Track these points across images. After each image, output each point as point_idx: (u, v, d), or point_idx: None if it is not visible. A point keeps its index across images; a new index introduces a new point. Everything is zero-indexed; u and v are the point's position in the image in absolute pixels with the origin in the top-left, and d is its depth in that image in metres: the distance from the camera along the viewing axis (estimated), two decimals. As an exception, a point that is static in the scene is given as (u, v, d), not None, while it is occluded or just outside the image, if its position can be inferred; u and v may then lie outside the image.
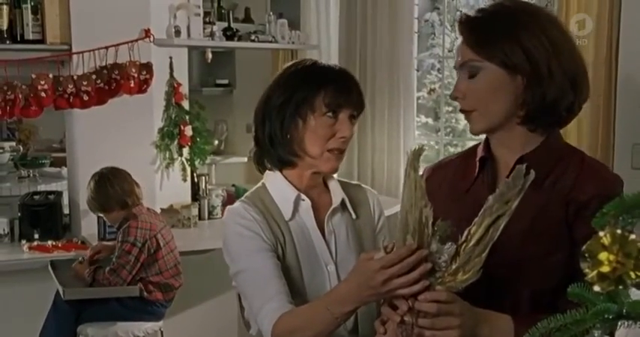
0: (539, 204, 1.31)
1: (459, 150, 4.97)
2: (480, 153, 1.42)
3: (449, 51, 4.73)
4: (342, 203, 1.59)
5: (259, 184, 1.61)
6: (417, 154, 1.20)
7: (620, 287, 0.71)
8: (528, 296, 1.32)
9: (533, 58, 1.27)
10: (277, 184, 1.56)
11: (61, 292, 2.97)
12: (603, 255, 0.71)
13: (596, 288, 0.73)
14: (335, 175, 1.64)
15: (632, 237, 0.70)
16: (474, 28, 1.33)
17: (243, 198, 1.59)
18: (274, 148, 1.53)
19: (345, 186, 1.64)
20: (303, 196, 1.55)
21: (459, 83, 1.34)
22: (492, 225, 1.15)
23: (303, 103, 1.49)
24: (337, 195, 1.59)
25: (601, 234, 0.72)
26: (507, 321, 1.26)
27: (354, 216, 1.60)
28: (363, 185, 1.72)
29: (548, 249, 1.30)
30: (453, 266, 1.17)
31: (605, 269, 0.71)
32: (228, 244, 1.53)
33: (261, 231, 1.50)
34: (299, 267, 1.51)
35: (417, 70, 4.68)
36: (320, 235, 1.55)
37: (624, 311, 0.81)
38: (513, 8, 1.34)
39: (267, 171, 1.59)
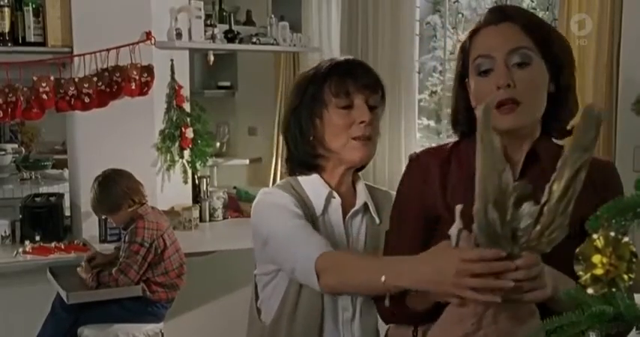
0: None
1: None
2: None
3: (450, 53, 4.72)
4: (365, 206, 1.58)
5: (288, 178, 1.59)
6: (487, 111, 1.06)
7: (613, 289, 0.71)
8: None
9: (562, 61, 1.30)
10: (310, 179, 1.55)
11: (64, 297, 2.96)
12: (596, 258, 0.71)
13: (590, 291, 0.73)
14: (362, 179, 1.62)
15: (625, 239, 0.70)
16: (525, 14, 1.31)
17: (275, 186, 1.59)
18: (300, 153, 1.53)
19: (372, 190, 1.63)
20: (335, 194, 1.54)
21: (508, 72, 1.25)
22: (574, 178, 1.03)
23: (314, 101, 1.49)
24: (361, 197, 1.58)
25: (594, 236, 0.71)
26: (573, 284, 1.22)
27: (377, 220, 1.58)
28: (392, 192, 1.67)
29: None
30: (538, 228, 1.05)
31: (599, 271, 0.71)
32: (262, 213, 1.49)
33: (299, 208, 1.47)
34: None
35: (419, 73, 4.67)
36: (344, 234, 1.54)
37: (620, 313, 0.81)
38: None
39: None
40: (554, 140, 1.36)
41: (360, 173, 1.64)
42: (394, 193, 1.65)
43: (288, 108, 1.55)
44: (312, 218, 1.50)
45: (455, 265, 1.08)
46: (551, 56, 1.27)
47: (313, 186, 1.54)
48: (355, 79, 1.48)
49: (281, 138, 5.20)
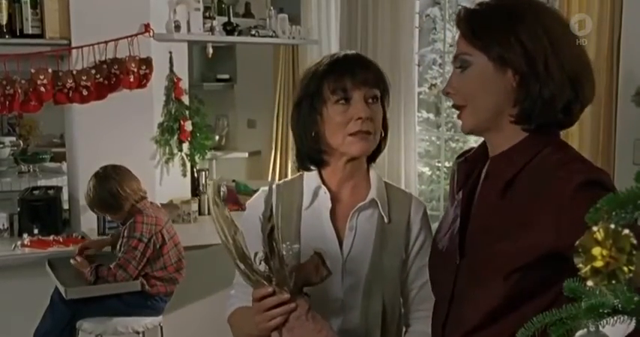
0: (498, 212, 1.27)
1: (461, 145, 4.96)
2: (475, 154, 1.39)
3: (450, 46, 4.71)
4: (375, 202, 1.58)
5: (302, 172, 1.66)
6: (217, 189, 1.35)
7: (613, 281, 0.71)
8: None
9: (530, 53, 1.22)
10: (310, 174, 1.60)
11: (63, 292, 2.95)
12: (596, 250, 0.70)
13: (590, 283, 0.72)
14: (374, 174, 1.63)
15: (626, 232, 0.69)
16: (471, 19, 1.30)
17: (284, 179, 1.68)
18: (306, 149, 1.56)
19: (391, 189, 1.63)
20: (324, 188, 1.57)
21: (452, 78, 1.31)
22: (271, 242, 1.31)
23: (314, 97, 1.51)
24: (372, 194, 1.58)
25: (594, 228, 0.71)
26: None
27: (386, 219, 1.58)
28: (415, 195, 1.69)
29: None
30: (276, 275, 1.34)
31: (599, 264, 0.70)
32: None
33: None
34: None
35: (418, 65, 4.66)
36: (332, 227, 1.55)
37: (619, 306, 0.80)
38: (515, 2, 1.30)
39: None
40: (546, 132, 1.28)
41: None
42: (418, 199, 1.67)
43: (293, 105, 1.59)
44: (293, 214, 1.57)
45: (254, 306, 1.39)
46: (496, 52, 1.23)
47: (309, 181, 1.59)
48: (353, 76, 1.49)
49: (280, 131, 5.22)
